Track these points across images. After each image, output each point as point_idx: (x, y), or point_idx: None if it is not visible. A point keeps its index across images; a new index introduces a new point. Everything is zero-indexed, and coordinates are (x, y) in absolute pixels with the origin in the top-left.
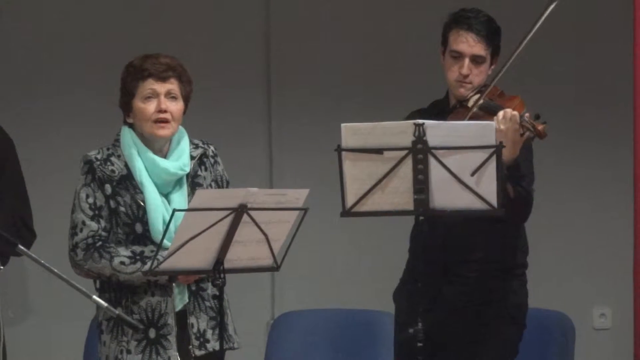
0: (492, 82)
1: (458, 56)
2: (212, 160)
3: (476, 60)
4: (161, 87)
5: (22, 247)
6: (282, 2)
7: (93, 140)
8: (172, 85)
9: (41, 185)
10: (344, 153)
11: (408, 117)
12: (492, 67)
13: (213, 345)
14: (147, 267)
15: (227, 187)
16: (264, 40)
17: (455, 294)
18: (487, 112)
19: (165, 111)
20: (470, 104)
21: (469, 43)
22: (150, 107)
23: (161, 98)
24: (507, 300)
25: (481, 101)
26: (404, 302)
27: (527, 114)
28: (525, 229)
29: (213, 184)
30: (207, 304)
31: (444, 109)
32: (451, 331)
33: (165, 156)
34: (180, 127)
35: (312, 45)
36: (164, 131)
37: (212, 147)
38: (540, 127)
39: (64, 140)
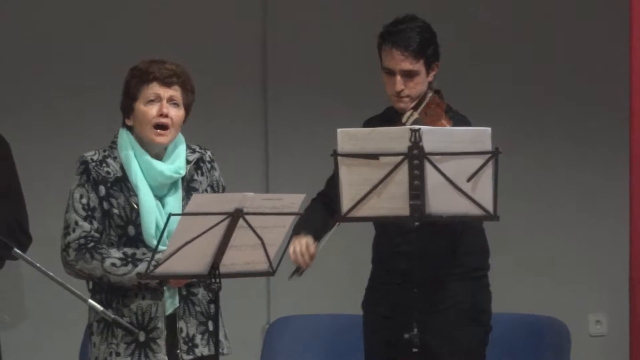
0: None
1: (389, 72)
2: (208, 166)
3: (408, 74)
4: (165, 92)
5: (17, 251)
6: (278, 4)
7: (90, 144)
8: (175, 92)
9: (37, 188)
10: (340, 158)
11: (364, 125)
12: (433, 72)
13: (201, 350)
14: (140, 269)
15: (223, 192)
16: (260, 43)
17: (415, 301)
18: None
19: (166, 116)
20: (404, 119)
21: (395, 60)
22: (152, 110)
23: (163, 102)
24: (468, 304)
25: (416, 116)
26: (371, 309)
27: None
28: (484, 231)
29: (209, 189)
30: (198, 308)
31: (392, 117)
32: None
33: (161, 160)
34: (179, 134)
35: (309, 48)
36: (162, 138)
37: (209, 153)
38: None
39: (61, 144)
